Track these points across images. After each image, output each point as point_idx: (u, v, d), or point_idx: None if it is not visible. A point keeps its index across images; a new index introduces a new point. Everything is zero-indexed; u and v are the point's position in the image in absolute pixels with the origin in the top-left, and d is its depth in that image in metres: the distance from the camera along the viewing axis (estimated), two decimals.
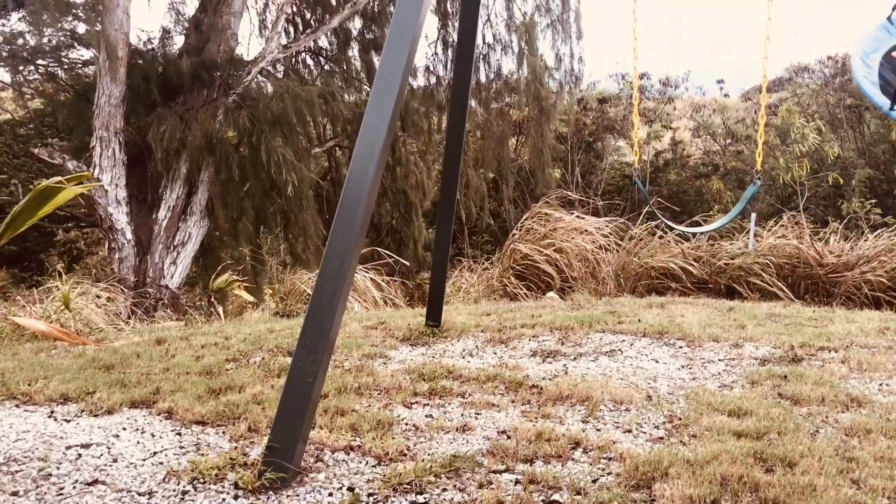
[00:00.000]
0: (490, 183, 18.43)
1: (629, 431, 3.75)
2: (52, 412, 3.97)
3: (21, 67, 15.36)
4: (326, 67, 16.45)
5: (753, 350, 5.42)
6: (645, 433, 3.74)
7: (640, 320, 6.44)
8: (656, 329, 6.05)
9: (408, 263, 13.33)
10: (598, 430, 3.77)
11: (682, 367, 5.01)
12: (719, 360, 5.18)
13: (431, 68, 16.92)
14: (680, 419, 3.90)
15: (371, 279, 9.74)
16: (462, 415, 4.00)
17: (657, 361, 5.16)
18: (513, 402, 4.22)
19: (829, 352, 5.35)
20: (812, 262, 8.93)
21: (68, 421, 3.84)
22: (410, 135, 16.00)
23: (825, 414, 3.97)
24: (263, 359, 5.19)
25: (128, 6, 12.42)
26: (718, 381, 4.67)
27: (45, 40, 15.14)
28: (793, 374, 4.65)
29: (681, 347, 5.54)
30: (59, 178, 6.16)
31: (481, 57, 16.54)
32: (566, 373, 4.84)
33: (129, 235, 12.29)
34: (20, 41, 15.14)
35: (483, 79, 16.81)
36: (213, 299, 9.61)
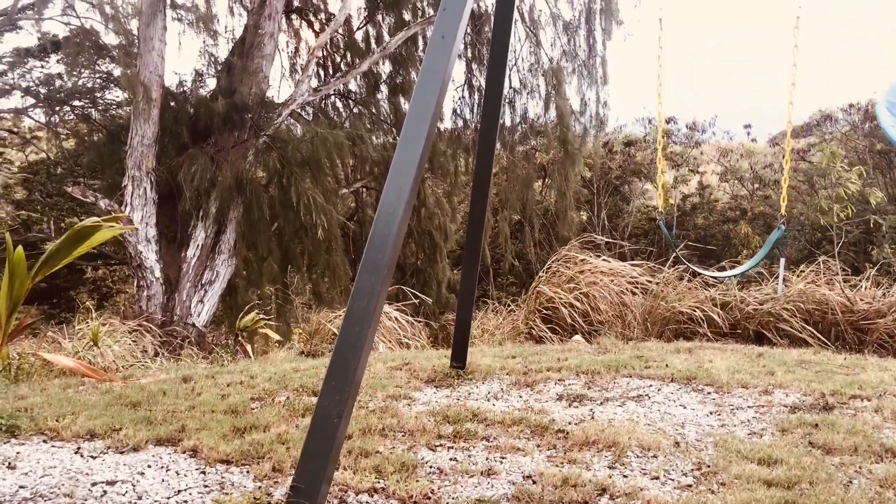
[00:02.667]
0: (515, 225, 18.46)
1: (657, 478, 3.70)
2: (79, 448, 3.99)
3: (57, 108, 15.76)
4: (355, 110, 16.69)
5: (783, 397, 5.33)
6: (673, 480, 3.68)
7: (667, 365, 6.37)
8: (684, 374, 5.97)
9: (430, 300, 13.32)
10: (624, 476, 3.71)
11: (711, 413, 4.94)
12: (748, 406, 5.10)
13: (458, 111, 17.10)
14: (708, 466, 3.84)
15: (395, 319, 9.74)
16: (487, 458, 3.96)
17: (685, 407, 5.09)
18: (538, 446, 4.18)
19: (862, 400, 5.25)
20: (842, 309, 8.80)
21: (94, 457, 3.86)
22: (437, 177, 16.12)
23: (858, 464, 3.88)
24: (288, 398, 5.19)
25: (163, 49, 12.73)
26: (748, 428, 4.60)
27: (80, 82, 15.55)
28: (824, 423, 4.56)
29: (709, 393, 5.47)
30: (96, 219, 6.28)
31: (507, 101, 16.67)
32: (593, 417, 4.79)
33: (157, 273, 12.43)
34: (57, 83, 15.56)
35: (508, 122, 16.94)
36: (239, 338, 9.65)
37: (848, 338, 8.69)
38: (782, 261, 9.35)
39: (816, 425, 4.52)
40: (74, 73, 15.08)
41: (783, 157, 19.03)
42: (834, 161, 14.30)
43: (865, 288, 9.44)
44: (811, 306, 8.89)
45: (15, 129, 19.02)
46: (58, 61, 15.37)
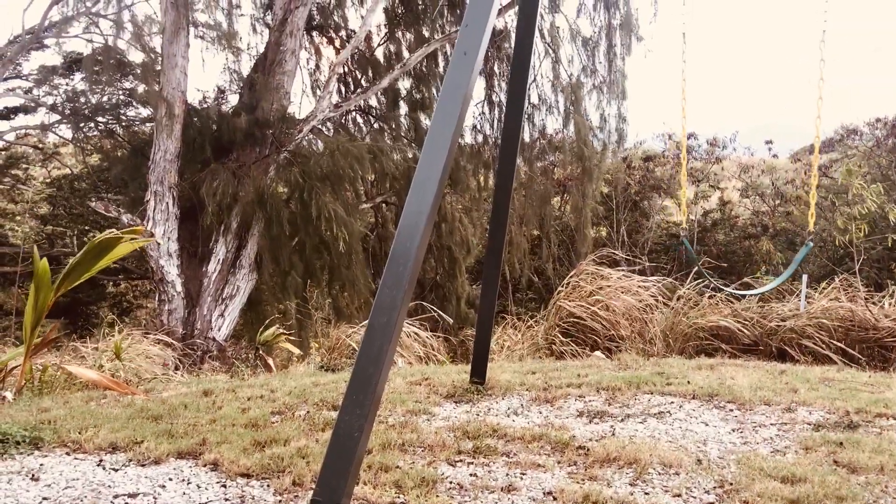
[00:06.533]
0: (534, 241, 18.44)
1: (678, 496, 3.66)
2: (101, 461, 4.01)
3: (82, 124, 15.96)
4: (375, 125, 16.79)
5: (807, 415, 5.27)
6: (695, 498, 3.64)
7: (689, 382, 6.32)
8: (706, 391, 5.92)
9: (450, 319, 13.30)
10: (646, 493, 3.68)
11: (733, 430, 4.89)
12: (771, 424, 5.05)
13: (478, 127, 17.16)
14: (731, 484, 3.80)
15: (415, 334, 9.74)
16: (507, 474, 3.95)
17: (707, 424, 5.04)
18: (559, 462, 4.15)
19: (888, 419, 5.18)
20: (867, 325, 8.70)
21: (116, 470, 3.88)
22: (457, 192, 16.16)
23: (884, 483, 3.83)
24: (308, 412, 5.20)
25: (185, 66, 12.88)
26: (771, 445, 4.55)
27: (104, 98, 15.74)
28: (849, 441, 4.50)
29: (731, 410, 5.42)
30: (115, 231, 6.35)
31: (526, 116, 16.69)
32: (613, 434, 4.76)
33: (178, 288, 12.52)
34: (82, 99, 15.77)
35: (527, 137, 16.96)
36: (259, 352, 9.68)
37: (873, 355, 8.59)
38: (804, 277, 9.27)
39: (841, 443, 4.46)
40: (97, 89, 15.27)
41: (805, 172, 18.97)
42: (850, 178, 14.19)
43: (889, 305, 9.33)
44: (835, 323, 8.80)
45: (40, 145, 19.28)
46: (82, 78, 15.59)
